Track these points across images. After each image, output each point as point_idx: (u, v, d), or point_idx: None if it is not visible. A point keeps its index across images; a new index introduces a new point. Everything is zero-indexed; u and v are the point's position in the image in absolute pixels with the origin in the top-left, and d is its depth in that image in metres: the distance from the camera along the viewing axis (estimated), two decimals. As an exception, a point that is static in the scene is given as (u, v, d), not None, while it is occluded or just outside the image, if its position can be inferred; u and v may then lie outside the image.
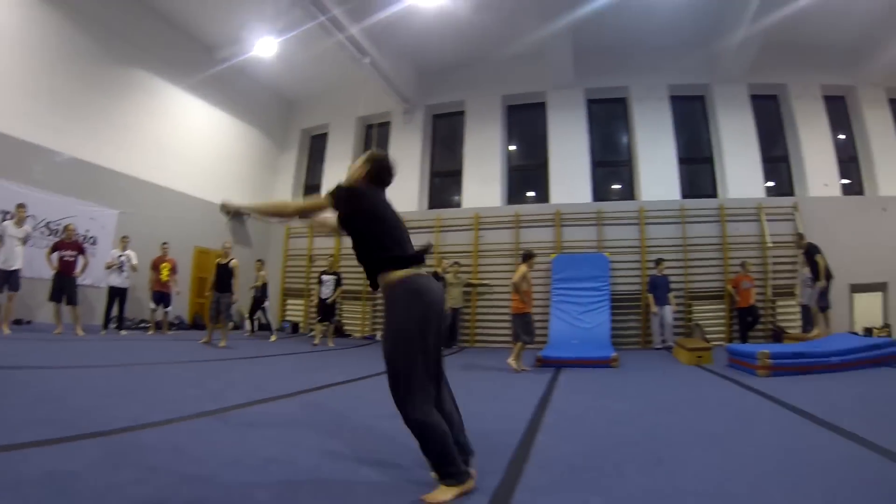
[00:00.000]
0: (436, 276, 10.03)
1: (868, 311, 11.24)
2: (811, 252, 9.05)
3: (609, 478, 2.44)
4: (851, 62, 12.37)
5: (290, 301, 13.74)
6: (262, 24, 11.39)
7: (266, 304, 11.56)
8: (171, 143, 11.72)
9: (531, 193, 13.04)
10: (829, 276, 8.80)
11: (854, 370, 6.08)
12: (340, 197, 2.34)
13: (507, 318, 7.61)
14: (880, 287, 11.32)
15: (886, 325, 10.87)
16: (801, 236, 9.59)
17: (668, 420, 3.83)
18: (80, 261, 8.63)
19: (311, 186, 14.73)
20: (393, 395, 2.21)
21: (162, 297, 9.97)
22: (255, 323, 12.13)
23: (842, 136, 12.49)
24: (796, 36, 11.63)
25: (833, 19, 11.30)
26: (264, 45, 11.79)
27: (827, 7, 10.49)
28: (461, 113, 13.26)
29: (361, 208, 2.37)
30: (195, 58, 12.22)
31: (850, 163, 12.34)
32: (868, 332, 10.52)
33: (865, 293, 11.33)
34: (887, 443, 2.77)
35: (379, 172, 2.56)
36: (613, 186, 12.86)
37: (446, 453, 2.15)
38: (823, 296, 8.81)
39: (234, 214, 2.74)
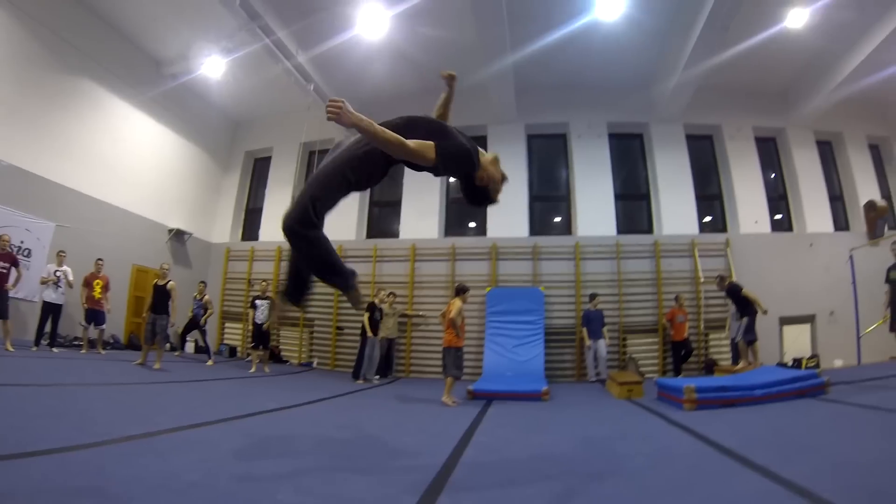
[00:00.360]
0: (372, 306, 9.87)
1: (797, 342, 11.56)
2: (733, 291, 9.18)
3: None
4: (782, 106, 12.95)
5: (228, 324, 13.36)
6: (211, 43, 11.26)
7: (205, 326, 11.18)
8: (114, 156, 11.27)
9: (472, 225, 13.05)
10: (753, 311, 8.91)
11: (777, 402, 6.11)
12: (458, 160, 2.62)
13: (441, 349, 7.51)
14: (808, 319, 11.71)
15: (815, 356, 11.14)
16: (721, 278, 9.75)
17: (587, 454, 3.86)
18: (13, 273, 8.19)
19: (253, 210, 14.48)
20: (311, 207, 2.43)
21: (95, 314, 9.48)
22: (193, 344, 11.84)
23: (772, 175, 12.96)
24: (730, 80, 12.11)
25: (765, 65, 11.85)
26: (212, 65, 11.69)
27: (759, 54, 11.01)
28: (402, 144, 13.18)
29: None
30: (143, 71, 11.93)
31: (779, 200, 12.80)
32: (797, 362, 10.80)
33: (794, 325, 11.67)
34: (794, 476, 2.79)
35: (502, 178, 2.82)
36: (550, 221, 12.96)
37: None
38: (749, 329, 8.92)
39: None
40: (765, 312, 8.89)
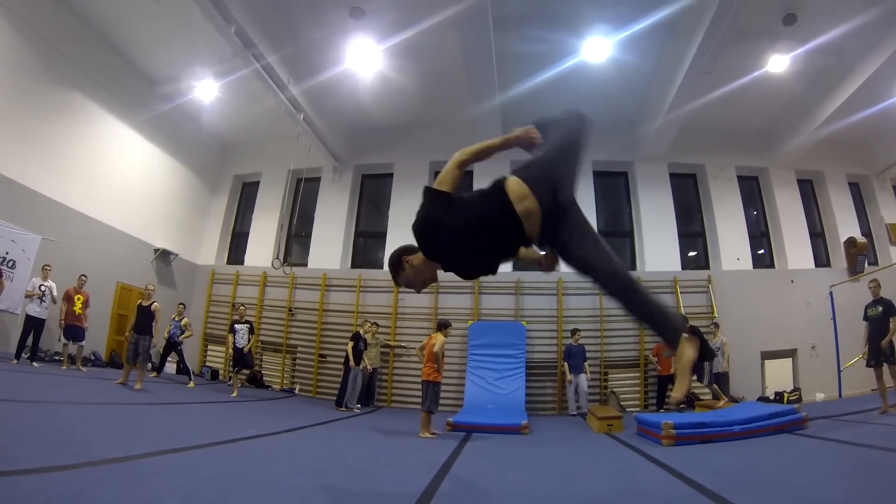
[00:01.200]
0: (357, 336, 9.92)
1: (779, 376, 11.68)
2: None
3: None
4: (764, 145, 13.25)
5: (210, 347, 13.28)
6: (204, 67, 11.43)
7: (180, 347, 11.13)
8: (103, 173, 11.26)
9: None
10: (710, 355, 9.17)
11: (756, 437, 6.17)
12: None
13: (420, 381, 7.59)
14: (790, 353, 11.86)
15: (796, 389, 11.26)
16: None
17: (562, 490, 3.89)
18: (-4, 283, 8.19)
19: (240, 234, 14.50)
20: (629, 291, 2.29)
21: (74, 330, 9.42)
22: (175, 365, 11.81)
23: (754, 213, 13.16)
24: (714, 121, 12.42)
25: (747, 107, 12.19)
26: (205, 88, 11.85)
27: (741, 96, 11.31)
28: (390, 175, 13.41)
29: None
30: (136, 90, 12.01)
31: (761, 237, 13.00)
32: (779, 396, 10.94)
33: (776, 359, 11.81)
34: None
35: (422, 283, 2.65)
36: (534, 257, 13.01)
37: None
38: (711, 370, 9.34)
39: None
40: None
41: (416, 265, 2.47)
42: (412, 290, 2.60)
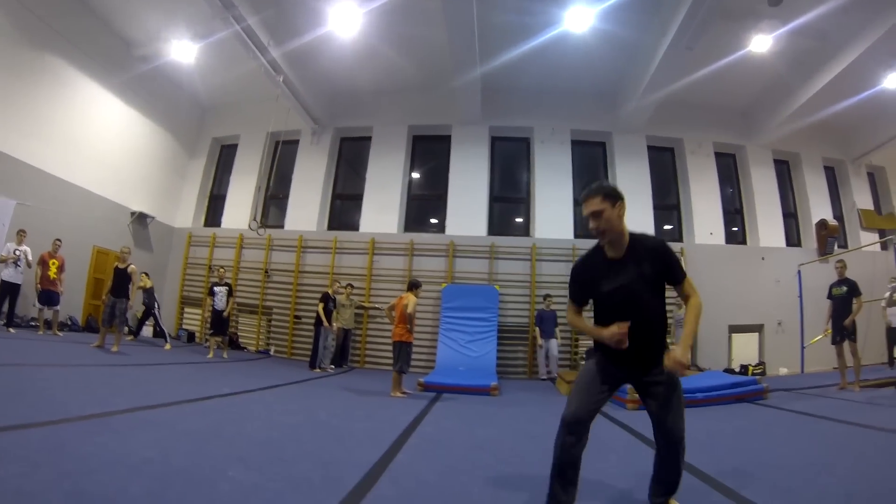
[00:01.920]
0: (326, 296, 9.91)
1: (745, 349, 11.92)
2: None
3: (453, 496, 2.63)
4: (743, 124, 13.37)
5: (187, 309, 13.21)
6: (183, 28, 11.25)
7: (155, 310, 11.09)
8: (80, 136, 11.07)
9: (431, 222, 13.11)
10: None
11: (718, 405, 6.38)
12: None
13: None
14: (757, 328, 12.11)
15: (761, 363, 11.56)
16: None
17: (525, 447, 4.06)
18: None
19: (217, 196, 14.35)
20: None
21: (48, 295, 9.28)
22: (152, 328, 11.80)
23: (730, 190, 13.30)
24: (694, 96, 12.48)
25: (728, 85, 12.25)
26: (183, 49, 11.64)
27: (723, 74, 11.36)
28: (368, 138, 13.33)
29: None
30: (113, 52, 11.77)
31: (735, 214, 13.15)
32: (744, 368, 11.20)
33: (743, 333, 12.05)
34: (718, 474, 3.02)
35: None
36: (509, 222, 13.10)
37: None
38: None
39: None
40: None
41: (623, 214, 2.39)
42: (595, 229, 2.37)
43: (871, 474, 3.21)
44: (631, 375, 2.48)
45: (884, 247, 12.32)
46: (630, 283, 2.35)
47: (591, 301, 2.52)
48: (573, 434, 2.32)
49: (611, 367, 2.43)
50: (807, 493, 2.79)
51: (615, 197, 2.35)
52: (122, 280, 8.55)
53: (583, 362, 10.79)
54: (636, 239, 2.41)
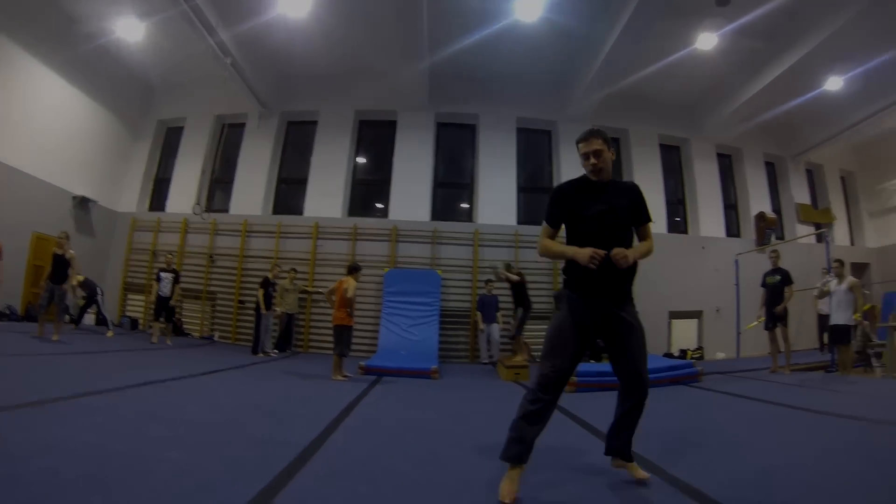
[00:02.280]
0: (266, 281, 9.80)
1: (684, 335, 12.31)
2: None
3: (381, 472, 2.75)
4: (688, 118, 13.73)
5: (130, 296, 12.85)
6: (129, 4, 10.91)
7: (98, 297, 10.73)
8: (18, 116, 10.53)
9: (374, 206, 13.07)
10: (528, 305, 9.28)
11: (653, 388, 6.38)
12: None
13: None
14: (696, 314, 12.50)
15: (700, 348, 12.02)
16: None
17: (458, 427, 4.17)
18: None
19: (162, 180, 13.96)
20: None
21: None
22: (94, 316, 11.47)
23: (672, 181, 13.61)
24: (640, 89, 12.74)
25: (674, 80, 12.57)
26: (129, 27, 11.33)
27: (669, 69, 11.66)
28: (314, 122, 13.21)
29: None
30: (55, 27, 11.23)
31: (677, 204, 13.47)
32: (683, 353, 11.60)
33: (683, 319, 12.42)
34: (643, 451, 3.12)
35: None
36: (452, 207, 13.12)
37: None
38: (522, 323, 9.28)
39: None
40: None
41: (612, 159, 2.72)
42: (593, 166, 2.61)
43: (789, 451, 3.36)
44: (603, 313, 2.57)
45: (819, 239, 12.75)
46: (614, 207, 2.59)
47: (562, 228, 2.69)
48: (549, 393, 2.48)
49: (582, 307, 2.56)
50: (722, 469, 2.95)
51: (610, 142, 2.69)
52: (60, 266, 8.29)
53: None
54: (615, 180, 2.73)
